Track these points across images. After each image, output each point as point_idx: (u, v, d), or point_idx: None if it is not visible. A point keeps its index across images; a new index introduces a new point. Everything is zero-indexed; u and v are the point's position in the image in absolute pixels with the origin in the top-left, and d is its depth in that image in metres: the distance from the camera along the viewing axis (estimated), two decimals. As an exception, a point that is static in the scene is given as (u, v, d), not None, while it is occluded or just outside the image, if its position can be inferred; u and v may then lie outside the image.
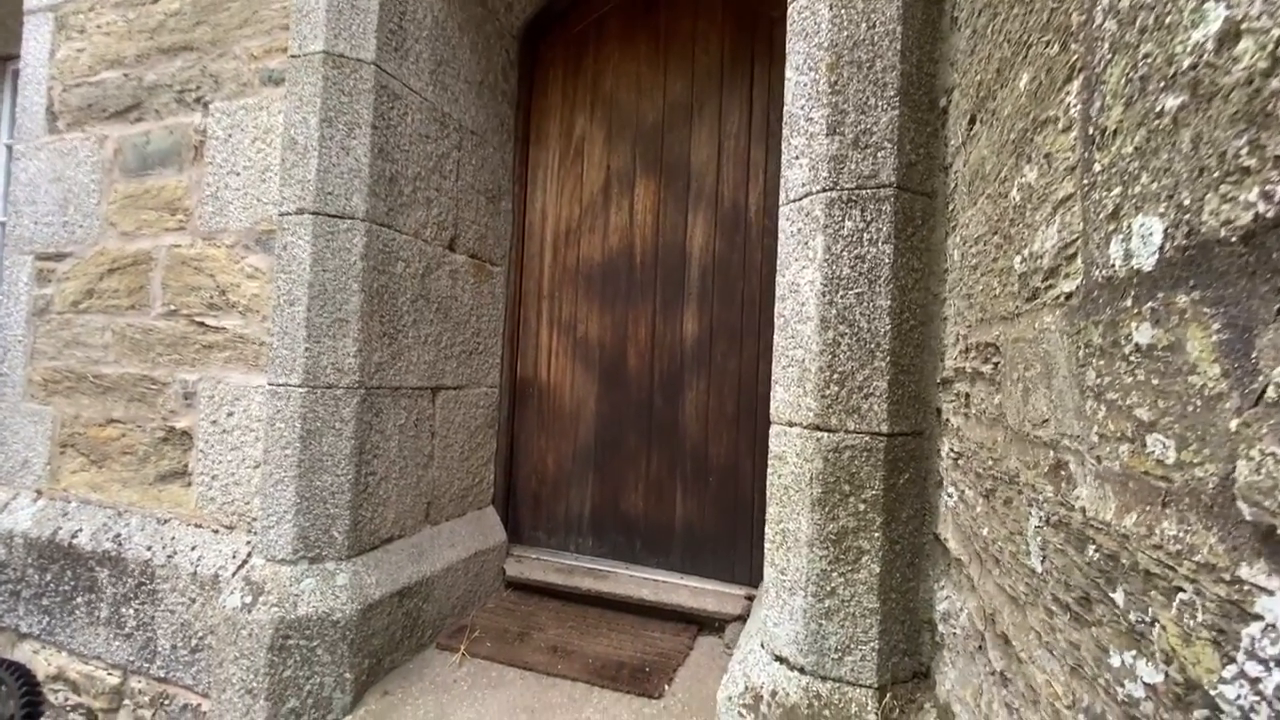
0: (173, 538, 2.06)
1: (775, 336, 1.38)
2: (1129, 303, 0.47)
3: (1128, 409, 0.46)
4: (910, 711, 1.18)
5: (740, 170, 2.26)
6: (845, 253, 1.24)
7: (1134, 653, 0.44)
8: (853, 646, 1.22)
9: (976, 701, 0.89)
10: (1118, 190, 0.49)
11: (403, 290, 1.94)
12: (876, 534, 1.20)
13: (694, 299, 2.31)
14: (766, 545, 1.34)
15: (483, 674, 1.86)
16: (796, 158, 1.33)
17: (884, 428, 1.21)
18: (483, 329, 2.36)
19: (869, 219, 1.24)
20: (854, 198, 1.25)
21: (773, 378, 1.39)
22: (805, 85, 1.31)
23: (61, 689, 2.12)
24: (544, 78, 2.59)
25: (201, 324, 2.12)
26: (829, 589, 1.23)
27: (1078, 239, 0.56)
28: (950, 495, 1.09)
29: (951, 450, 1.10)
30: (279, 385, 1.74)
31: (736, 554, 2.23)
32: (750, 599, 2.11)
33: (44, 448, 2.39)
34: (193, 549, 2.00)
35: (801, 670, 1.25)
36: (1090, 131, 0.54)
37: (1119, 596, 0.46)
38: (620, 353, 2.41)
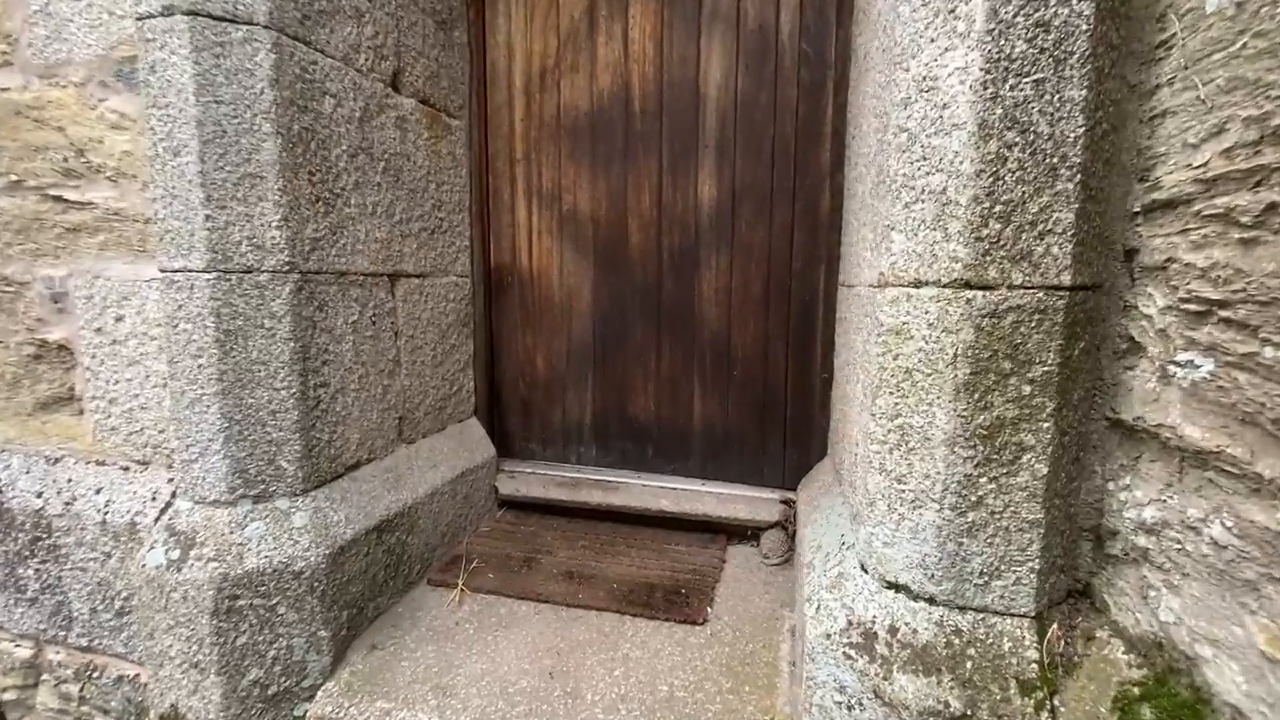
0: (69, 480, 1.61)
1: (887, 162, 0.98)
2: None
3: None
4: (1075, 642, 0.92)
5: (770, -24, 1.75)
6: (1020, 19, 0.83)
7: None
8: (1003, 569, 0.93)
9: (1288, 654, 0.61)
10: None
11: (337, 138, 1.42)
12: (1045, 424, 0.89)
13: (711, 154, 1.86)
14: (873, 447, 1.02)
15: (489, 612, 1.55)
16: (936, -124, 0.88)
17: (1065, 279, 0.86)
18: (445, 201, 1.86)
19: (1058, -37, 0.82)
20: (1036, -71, 0.82)
21: (882, 221, 1.00)
22: None
23: (-44, 668, 1.73)
24: None
25: (59, 199, 1.56)
26: (975, 499, 0.93)
27: None
28: (1184, 367, 0.77)
29: (1181, 300, 0.77)
30: (175, 271, 1.25)
31: (767, 454, 1.95)
32: (787, 503, 1.85)
33: (-124, 377, 1.83)
34: (97, 492, 1.57)
35: (931, 600, 0.97)
36: None
37: None
38: (619, 228, 1.97)
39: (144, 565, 1.28)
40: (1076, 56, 0.82)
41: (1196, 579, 0.75)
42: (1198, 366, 0.74)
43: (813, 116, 1.76)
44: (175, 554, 1.27)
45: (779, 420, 1.92)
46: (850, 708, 0.99)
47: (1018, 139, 0.85)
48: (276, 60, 1.25)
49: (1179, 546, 0.78)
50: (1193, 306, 0.75)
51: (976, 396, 0.90)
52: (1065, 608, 0.97)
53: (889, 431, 0.99)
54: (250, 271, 1.27)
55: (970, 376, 0.90)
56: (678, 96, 1.86)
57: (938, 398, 0.92)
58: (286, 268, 1.30)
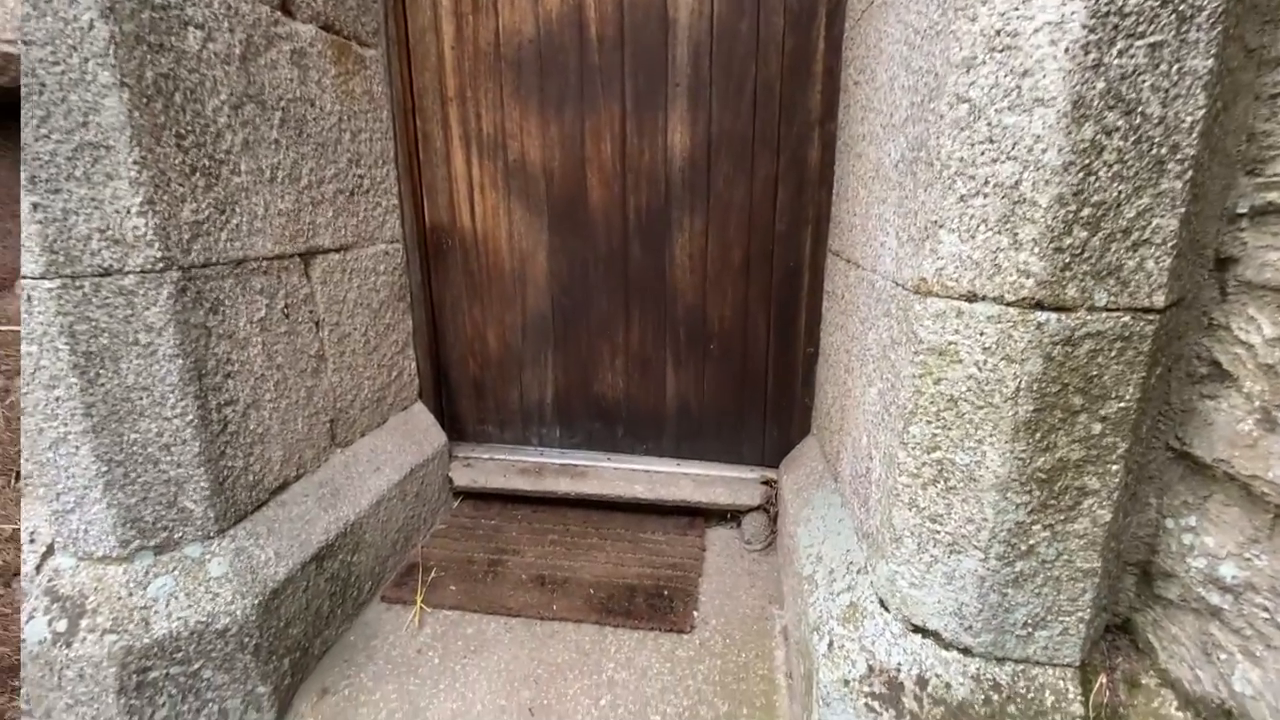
0: (-82, 518, 1.31)
1: (936, 139, 0.78)
2: None
3: None
4: (1118, 687, 0.84)
5: None
6: (1140, -43, 0.62)
7: None
8: (1050, 619, 0.83)
9: None
10: None
11: (212, 85, 1.09)
12: (1114, 466, 0.76)
13: (683, 95, 1.59)
14: (902, 479, 0.88)
15: (454, 633, 1.40)
16: None
17: (1159, 299, 0.70)
18: (364, 153, 1.54)
19: (1197, -123, 0.61)
20: None
21: (925, 214, 0.82)
22: None
23: None
24: None
25: None
26: (1025, 548, 0.81)
27: None
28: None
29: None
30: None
31: (745, 432, 1.82)
32: (768, 484, 1.75)
33: None
34: (-43, 533, 1.29)
35: (966, 651, 0.87)
36: None
37: None
38: (577, 182, 1.70)
39: (27, 639, 1.05)
40: (1206, 14, 0.63)
41: (1294, 657, 0.66)
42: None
43: (801, 52, 1.51)
44: (61, 625, 1.04)
45: (759, 396, 1.78)
46: (873, 762, 0.90)
47: (1120, 122, 0.66)
48: (107, -21, 0.90)
49: (1268, 616, 0.68)
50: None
51: (1038, 437, 0.76)
52: (1104, 646, 0.89)
53: (923, 465, 0.85)
54: (109, 274, 0.97)
55: (1033, 414, 0.75)
56: (642, 22, 1.56)
57: (990, 435, 0.78)
58: (160, 265, 1.01)
